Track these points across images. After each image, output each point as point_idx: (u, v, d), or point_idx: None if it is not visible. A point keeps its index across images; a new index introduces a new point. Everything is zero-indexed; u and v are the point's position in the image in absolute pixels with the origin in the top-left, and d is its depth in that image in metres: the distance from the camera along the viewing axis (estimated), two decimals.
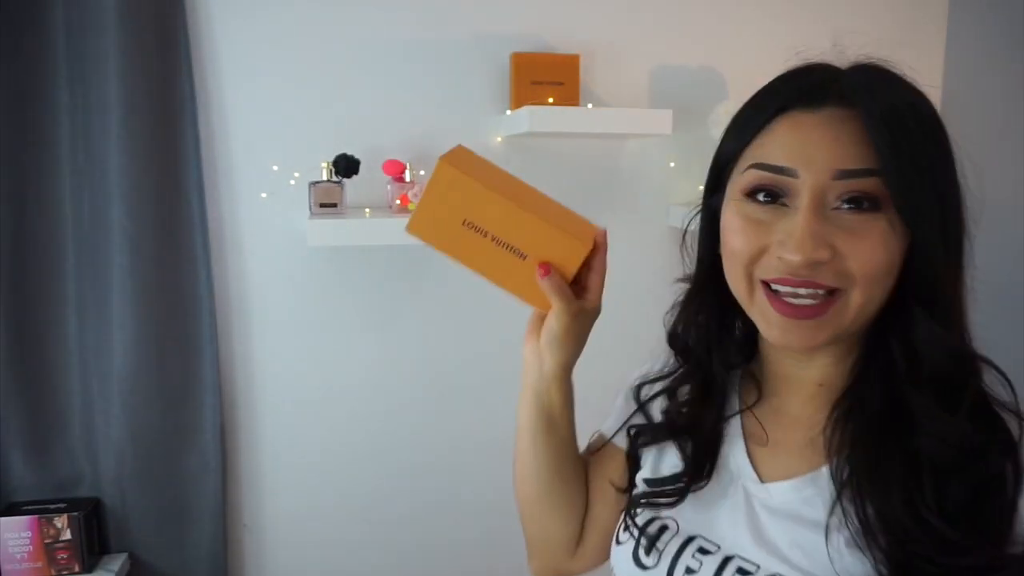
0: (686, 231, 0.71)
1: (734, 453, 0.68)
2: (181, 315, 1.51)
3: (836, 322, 0.57)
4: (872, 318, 0.59)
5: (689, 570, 0.63)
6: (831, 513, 0.58)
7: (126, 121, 1.41)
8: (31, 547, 1.44)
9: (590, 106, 1.60)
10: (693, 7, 1.70)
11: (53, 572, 1.45)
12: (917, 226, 0.55)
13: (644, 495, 0.69)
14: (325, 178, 1.44)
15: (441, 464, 1.72)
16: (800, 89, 0.58)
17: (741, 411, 0.69)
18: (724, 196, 0.63)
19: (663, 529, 0.67)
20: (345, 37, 1.54)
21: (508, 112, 1.59)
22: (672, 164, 1.72)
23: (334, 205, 1.44)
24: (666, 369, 0.76)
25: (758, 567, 0.60)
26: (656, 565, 0.65)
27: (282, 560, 1.68)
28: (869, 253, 0.55)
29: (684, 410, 0.71)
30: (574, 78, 1.55)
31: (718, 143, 0.66)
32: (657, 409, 0.74)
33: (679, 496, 0.67)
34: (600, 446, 0.80)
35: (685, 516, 0.67)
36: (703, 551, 0.64)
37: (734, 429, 0.69)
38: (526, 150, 1.65)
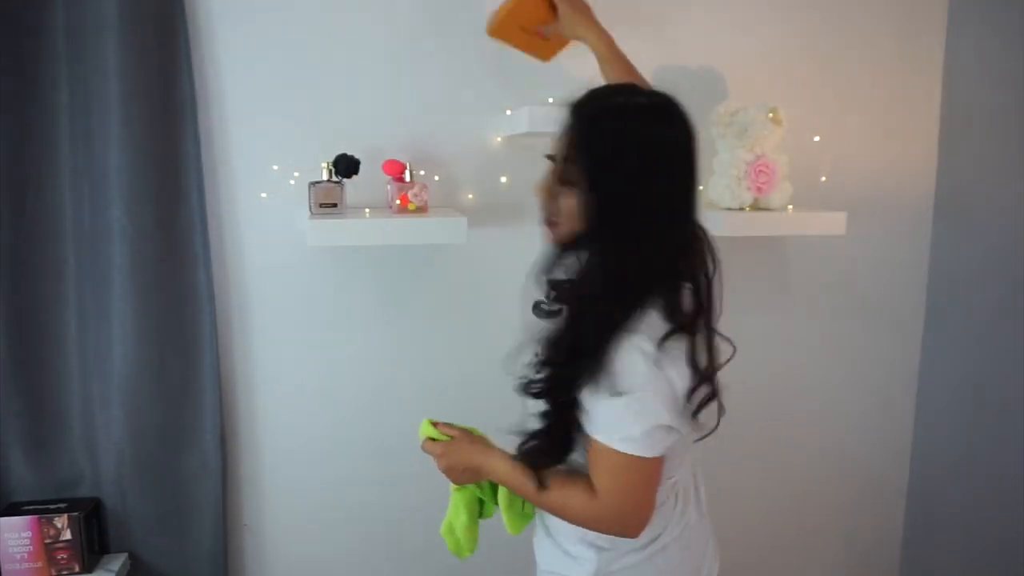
0: None
1: None
2: (181, 315, 1.51)
3: (557, 234, 1.02)
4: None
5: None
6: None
7: (126, 121, 1.41)
8: (31, 547, 1.44)
9: None
10: (693, 7, 1.70)
11: (53, 572, 1.45)
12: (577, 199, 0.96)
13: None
14: (325, 178, 1.44)
15: None
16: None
17: None
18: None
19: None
20: (345, 37, 1.55)
21: (508, 112, 1.59)
22: None
23: (334, 205, 1.44)
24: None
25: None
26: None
27: (282, 560, 1.68)
28: (565, 207, 0.98)
29: None
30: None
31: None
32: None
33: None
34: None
35: None
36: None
37: None
38: (526, 150, 1.65)
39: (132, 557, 1.54)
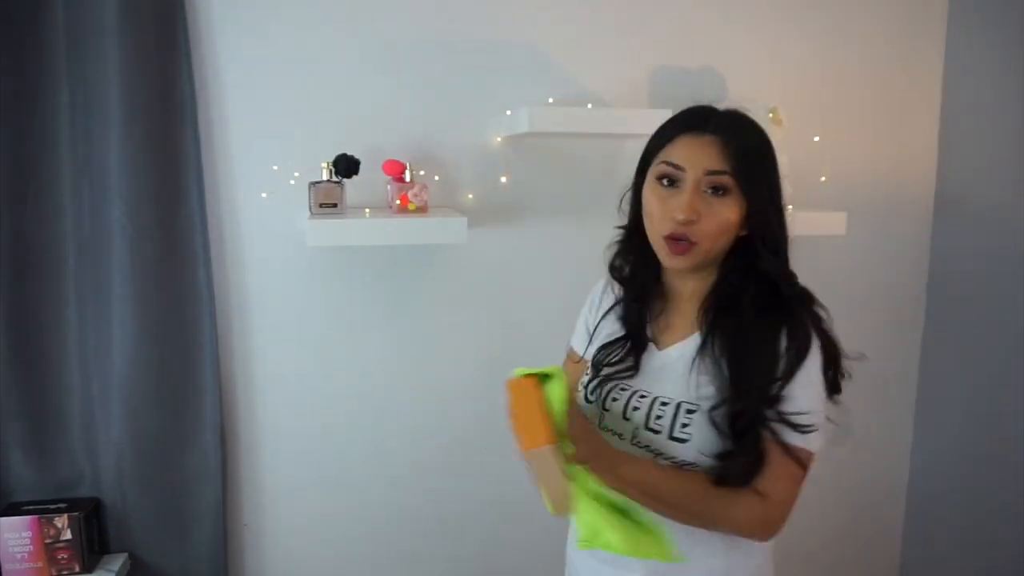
0: (622, 200, 1.12)
1: (647, 336, 1.12)
2: (181, 315, 1.51)
3: (694, 256, 1.00)
4: (721, 255, 1.03)
5: (614, 399, 1.08)
6: (696, 358, 1.03)
7: (126, 121, 1.41)
8: (31, 547, 1.44)
9: (590, 106, 1.60)
10: (693, 7, 1.70)
11: (53, 572, 1.45)
12: (752, 200, 0.98)
13: (608, 375, 1.10)
14: (325, 178, 1.44)
15: (440, 463, 1.72)
16: (692, 121, 1.02)
17: (652, 320, 1.13)
18: (645, 179, 1.05)
19: (605, 382, 1.10)
20: (345, 37, 1.55)
21: (508, 112, 1.59)
22: None
23: (334, 205, 1.44)
24: (611, 289, 1.18)
25: (651, 394, 1.05)
26: (596, 400, 1.10)
27: (282, 560, 1.68)
28: (715, 222, 0.99)
29: (625, 312, 1.14)
30: None
31: (645, 147, 1.06)
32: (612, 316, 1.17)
33: (635, 368, 1.09)
34: (578, 359, 1.20)
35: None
36: (623, 389, 1.08)
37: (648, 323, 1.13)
38: (526, 150, 1.65)
39: (132, 557, 1.54)
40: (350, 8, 1.54)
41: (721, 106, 1.03)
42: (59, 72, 1.42)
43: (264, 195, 1.55)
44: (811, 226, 1.61)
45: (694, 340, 1.05)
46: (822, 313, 1.06)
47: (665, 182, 1.00)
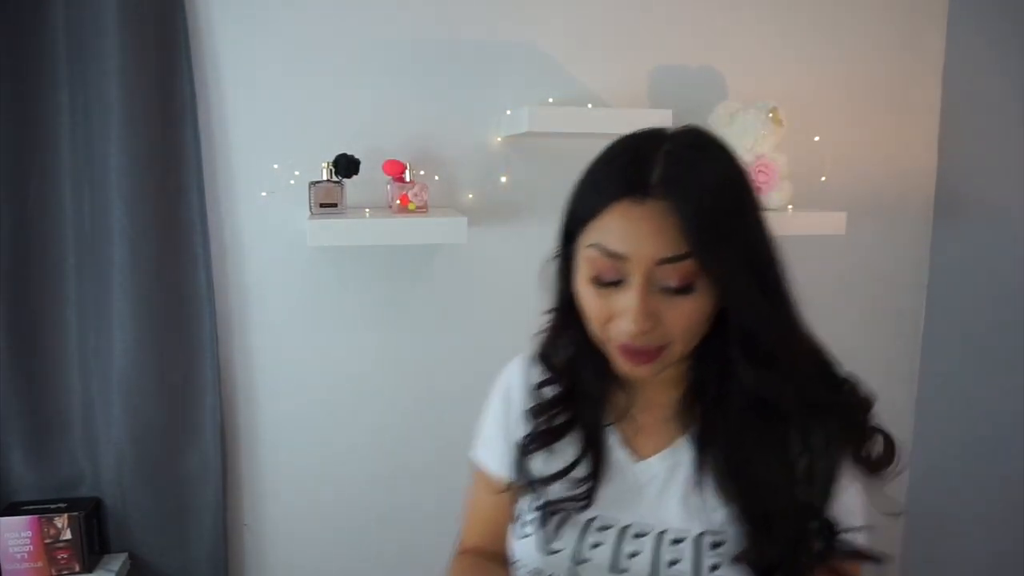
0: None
1: (613, 443, 0.84)
2: (181, 315, 1.51)
3: (664, 362, 0.75)
4: (696, 347, 0.76)
5: (595, 544, 0.78)
6: (697, 471, 0.78)
7: (126, 121, 1.41)
8: (31, 547, 1.44)
9: (590, 106, 1.60)
10: (693, 7, 1.70)
11: (53, 572, 1.45)
12: (728, 289, 0.71)
13: (554, 502, 0.81)
14: (325, 178, 1.44)
15: (441, 463, 1.72)
16: (629, 182, 0.70)
17: (615, 420, 0.84)
18: (576, 248, 0.76)
19: (565, 517, 0.80)
20: (345, 37, 1.55)
21: (508, 112, 1.59)
22: None
23: (334, 205, 1.44)
24: (541, 383, 0.87)
25: (651, 527, 0.78)
26: (564, 548, 0.79)
27: (282, 560, 1.68)
28: (684, 320, 0.71)
29: (567, 416, 0.84)
30: None
31: (570, 204, 0.77)
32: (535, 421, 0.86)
33: (588, 498, 0.80)
34: (503, 487, 0.89)
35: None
36: (603, 527, 0.79)
37: (610, 426, 0.85)
38: (526, 150, 1.65)
39: (132, 557, 1.54)
40: (350, 8, 1.54)
41: (673, 127, 0.76)
42: (59, 72, 1.42)
43: (264, 195, 1.55)
44: (811, 226, 1.61)
45: (685, 444, 0.80)
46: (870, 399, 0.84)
47: (602, 284, 0.72)
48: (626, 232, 0.70)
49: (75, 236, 1.47)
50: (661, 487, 0.80)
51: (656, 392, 0.82)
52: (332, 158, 1.45)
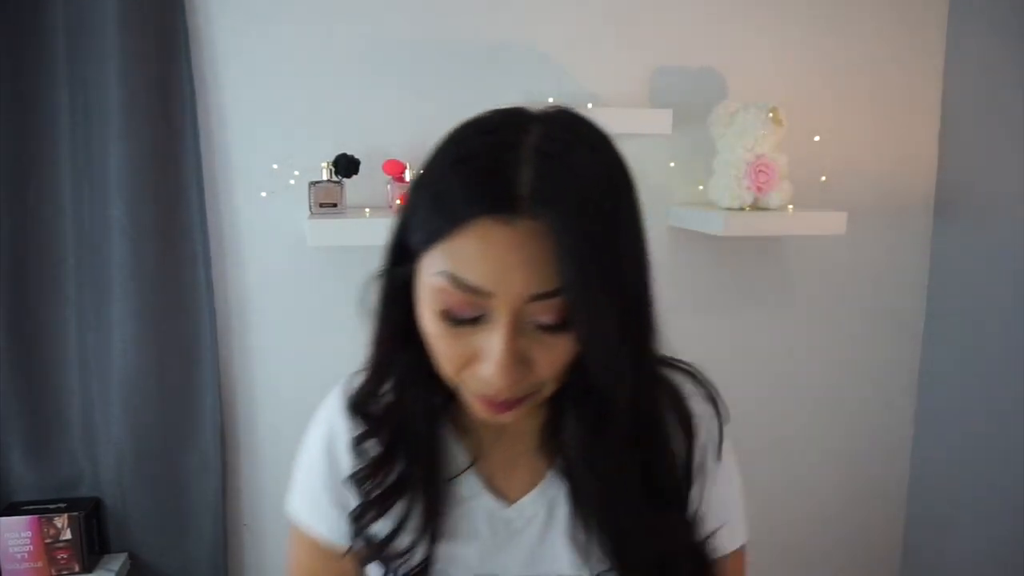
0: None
1: (474, 490, 0.71)
2: (181, 315, 1.51)
3: (531, 404, 0.62)
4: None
5: None
6: (576, 504, 0.68)
7: (126, 121, 1.41)
8: (31, 547, 1.44)
9: (590, 106, 1.60)
10: (693, 7, 1.70)
11: (53, 572, 1.45)
12: (592, 335, 0.57)
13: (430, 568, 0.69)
14: (325, 178, 1.44)
15: None
16: (492, 195, 0.53)
17: (473, 460, 0.71)
18: (416, 269, 0.60)
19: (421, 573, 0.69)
20: (345, 37, 1.54)
21: None
22: (672, 164, 1.72)
23: (334, 205, 1.44)
24: (361, 435, 0.71)
25: None
26: None
27: (282, 560, 1.68)
28: (560, 361, 0.59)
29: (400, 472, 0.69)
30: None
31: (407, 214, 0.61)
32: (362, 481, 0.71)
33: (425, 566, 0.68)
34: (335, 554, 0.76)
35: (443, 554, 0.70)
36: None
37: (465, 472, 0.71)
38: None
39: (132, 557, 1.54)
40: (350, 8, 1.54)
41: (535, 108, 0.61)
42: (59, 72, 1.42)
43: (264, 195, 1.55)
44: (811, 226, 1.61)
45: (555, 477, 0.69)
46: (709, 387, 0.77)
47: (455, 320, 0.57)
48: (489, 262, 0.54)
49: (75, 236, 1.47)
50: (542, 529, 0.69)
51: (515, 423, 0.66)
52: (332, 158, 1.45)
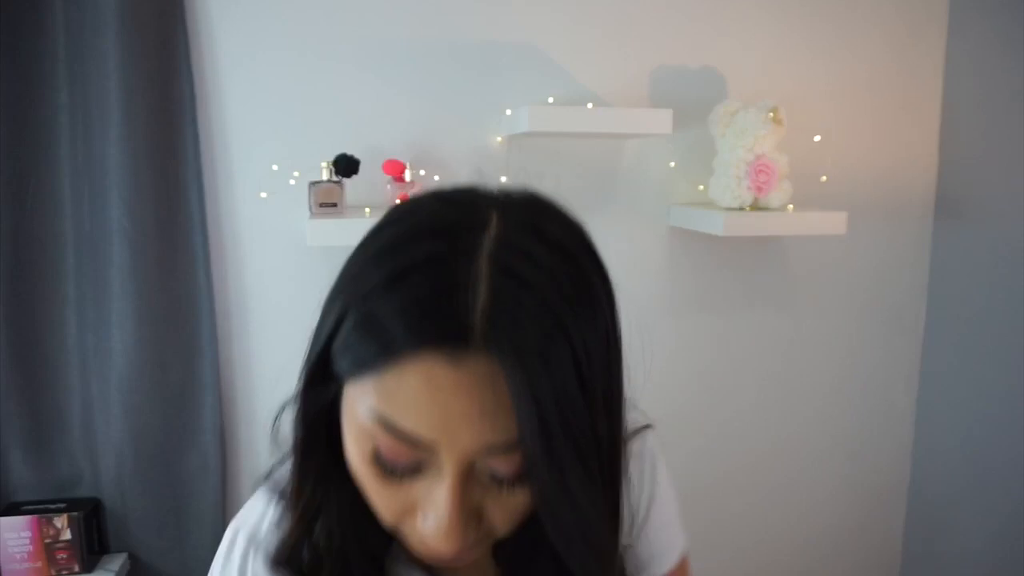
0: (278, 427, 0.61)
1: None
2: (181, 315, 1.51)
3: (485, 547, 0.53)
4: None
5: None
6: None
7: (126, 121, 1.41)
8: (31, 547, 1.44)
9: (590, 106, 1.60)
10: (694, 7, 1.70)
11: (53, 572, 1.45)
12: (554, 498, 0.46)
13: None
14: (325, 178, 1.44)
15: None
16: (439, 325, 0.43)
17: None
18: (342, 394, 0.50)
19: None
20: (345, 37, 1.55)
21: (508, 112, 1.59)
22: (672, 164, 1.72)
23: (334, 205, 1.44)
24: None
25: None
26: None
27: None
28: (516, 516, 0.49)
29: None
30: None
31: (330, 326, 0.51)
32: None
33: None
34: None
35: None
36: None
37: None
38: (526, 150, 1.65)
39: (132, 557, 1.54)
40: (350, 8, 1.54)
41: (494, 189, 0.50)
42: (59, 72, 1.42)
43: (264, 195, 1.55)
44: (811, 226, 1.61)
45: None
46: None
47: (398, 469, 0.48)
48: (433, 408, 0.44)
49: (75, 236, 1.47)
50: None
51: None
52: (332, 158, 1.45)
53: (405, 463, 0.46)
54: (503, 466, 0.46)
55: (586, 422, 0.45)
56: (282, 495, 0.56)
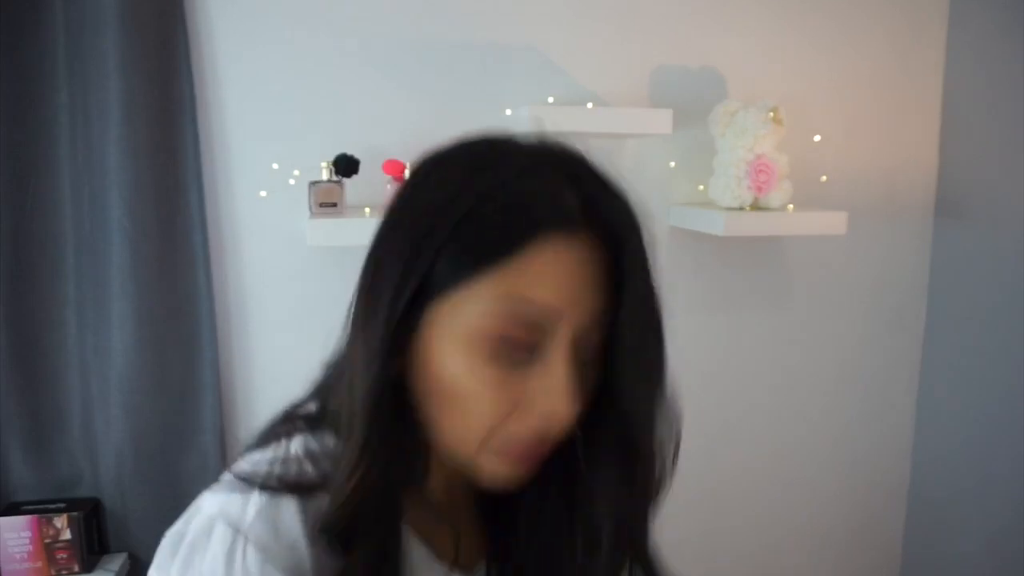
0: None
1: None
2: (181, 315, 1.51)
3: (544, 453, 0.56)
4: None
5: None
6: None
7: (126, 121, 1.41)
8: (31, 547, 1.44)
9: (590, 106, 1.60)
10: (693, 7, 1.70)
11: (53, 572, 1.45)
12: (639, 367, 0.54)
13: None
14: (325, 178, 1.44)
15: None
16: (561, 207, 0.51)
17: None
18: (429, 327, 0.52)
19: None
20: (345, 37, 1.54)
21: (508, 112, 1.59)
22: (672, 164, 1.72)
23: (334, 205, 1.44)
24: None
25: None
26: None
27: None
28: (587, 398, 0.54)
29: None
30: None
31: (411, 263, 0.52)
32: None
33: None
34: None
35: None
36: None
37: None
38: None
39: (132, 557, 1.54)
40: (350, 8, 1.54)
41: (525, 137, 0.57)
42: (59, 72, 1.42)
43: (263, 194, 1.55)
44: (811, 226, 1.61)
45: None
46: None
47: (515, 355, 0.51)
48: (561, 279, 0.50)
49: (75, 236, 1.47)
50: None
51: (448, 478, 0.61)
52: (332, 158, 1.45)
53: (524, 348, 0.51)
54: (595, 339, 0.53)
55: (658, 300, 0.54)
56: (263, 485, 0.56)
